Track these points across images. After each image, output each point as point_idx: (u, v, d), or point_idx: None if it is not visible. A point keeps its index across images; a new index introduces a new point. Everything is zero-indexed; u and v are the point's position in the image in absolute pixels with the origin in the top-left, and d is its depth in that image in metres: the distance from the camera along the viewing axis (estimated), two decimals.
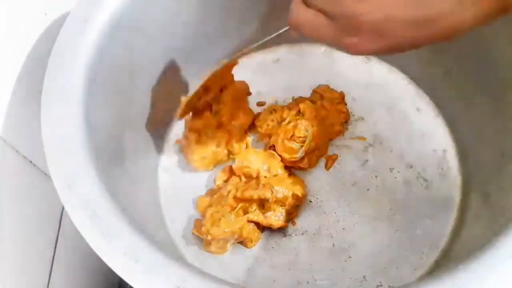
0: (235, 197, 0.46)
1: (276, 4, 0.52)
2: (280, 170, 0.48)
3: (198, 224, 0.47)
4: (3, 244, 0.36)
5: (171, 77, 0.51)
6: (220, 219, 0.45)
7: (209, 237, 0.45)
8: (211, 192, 0.49)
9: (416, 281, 0.38)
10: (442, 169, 0.50)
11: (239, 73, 0.56)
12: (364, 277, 0.45)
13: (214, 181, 0.50)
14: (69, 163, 0.34)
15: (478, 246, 0.32)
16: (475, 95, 0.48)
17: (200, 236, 0.46)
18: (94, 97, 0.38)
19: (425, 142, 0.52)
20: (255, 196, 0.45)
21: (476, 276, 0.30)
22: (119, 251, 0.31)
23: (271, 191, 0.45)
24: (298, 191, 0.47)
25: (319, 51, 0.58)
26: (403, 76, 0.56)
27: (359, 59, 0.57)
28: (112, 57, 0.40)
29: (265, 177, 0.47)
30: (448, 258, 0.44)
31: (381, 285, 0.45)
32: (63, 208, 0.44)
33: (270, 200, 0.45)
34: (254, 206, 0.46)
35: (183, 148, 0.52)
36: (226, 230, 0.44)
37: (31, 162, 0.40)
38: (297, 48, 0.58)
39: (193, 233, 0.47)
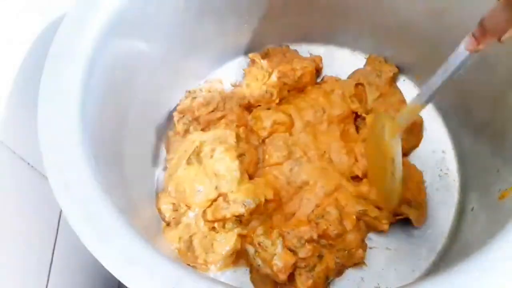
0: (207, 221, 0.45)
1: (274, 4, 0.52)
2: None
3: (185, 255, 0.45)
4: (0, 246, 0.36)
5: (169, 77, 0.51)
6: (212, 244, 0.44)
7: (210, 266, 0.44)
8: (172, 223, 0.47)
9: (413, 283, 0.37)
10: (441, 170, 0.50)
11: (238, 73, 0.57)
12: (362, 278, 0.45)
13: (161, 212, 0.47)
14: (66, 164, 0.34)
15: (475, 248, 0.32)
16: (475, 96, 0.47)
17: (198, 267, 0.45)
18: (91, 98, 0.38)
19: (424, 143, 0.52)
20: (229, 215, 0.44)
21: (473, 278, 0.30)
22: (114, 251, 0.31)
23: (244, 205, 0.44)
24: (269, 194, 0.46)
25: (319, 51, 0.57)
26: (403, 77, 0.56)
27: (358, 60, 0.56)
28: (109, 57, 0.40)
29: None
30: (446, 260, 0.44)
31: (379, 287, 0.44)
32: (61, 210, 0.44)
33: (245, 214, 0.44)
34: (231, 223, 0.45)
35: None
36: (223, 253, 0.44)
37: (28, 163, 0.40)
38: (297, 48, 0.58)
39: (188, 265, 0.45)
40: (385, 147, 0.40)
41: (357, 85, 0.53)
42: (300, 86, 0.53)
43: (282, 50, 0.56)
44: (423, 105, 0.37)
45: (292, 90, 0.54)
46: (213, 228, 0.45)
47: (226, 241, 0.44)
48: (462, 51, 0.32)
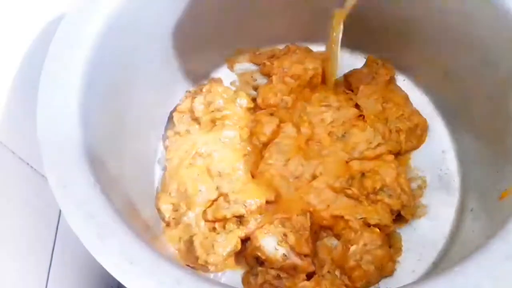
0: (207, 221, 0.45)
1: (274, 4, 0.52)
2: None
3: (185, 256, 0.45)
4: (0, 246, 0.36)
5: (169, 77, 0.51)
6: (213, 245, 0.43)
7: (211, 267, 0.44)
8: (172, 224, 0.46)
9: (413, 283, 0.38)
10: (441, 170, 0.50)
11: (238, 73, 0.57)
12: None
13: (161, 212, 0.47)
14: (65, 164, 0.34)
15: (475, 248, 0.32)
16: (475, 96, 0.48)
17: (198, 268, 0.44)
18: (91, 98, 0.38)
19: (424, 143, 0.51)
20: (229, 215, 0.44)
21: (472, 278, 0.30)
22: (113, 251, 0.31)
23: (244, 205, 0.44)
24: (270, 195, 0.45)
25: (318, 50, 0.57)
26: (403, 77, 0.56)
27: (358, 60, 0.56)
28: (109, 57, 0.40)
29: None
30: (446, 260, 0.44)
31: (379, 287, 0.44)
32: (60, 210, 0.44)
33: (245, 215, 0.44)
34: (231, 223, 0.45)
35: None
36: (224, 254, 0.43)
37: (28, 164, 0.40)
38: None
39: (187, 266, 0.44)
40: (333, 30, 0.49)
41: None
42: (311, 86, 0.53)
43: (289, 49, 0.56)
44: None
45: (305, 88, 0.53)
46: (214, 229, 0.45)
47: (227, 242, 0.44)
48: None
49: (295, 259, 0.42)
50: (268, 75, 0.55)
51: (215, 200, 0.46)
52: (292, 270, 0.43)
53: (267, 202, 0.45)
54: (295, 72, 0.52)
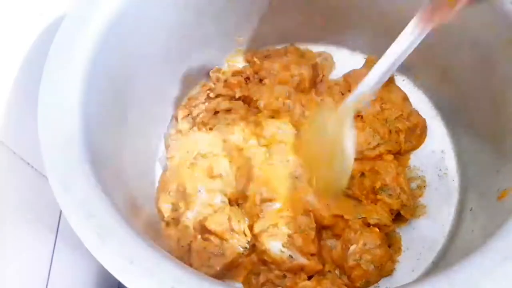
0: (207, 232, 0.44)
1: (274, 5, 0.52)
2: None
3: (184, 255, 0.45)
4: (0, 246, 0.36)
5: (169, 76, 0.51)
6: (210, 258, 0.43)
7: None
8: (171, 223, 0.46)
9: (412, 282, 0.38)
10: (440, 170, 0.50)
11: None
12: None
13: (160, 212, 0.47)
14: (66, 164, 0.34)
15: (475, 248, 0.32)
16: (474, 96, 0.48)
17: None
18: (91, 98, 0.38)
19: (424, 143, 0.52)
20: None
21: (472, 278, 0.30)
22: (114, 251, 0.31)
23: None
24: (271, 196, 0.45)
25: (318, 51, 0.57)
26: (402, 77, 0.56)
27: (357, 60, 0.56)
28: (110, 57, 0.40)
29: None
30: (446, 259, 0.44)
31: (378, 286, 0.45)
32: (61, 210, 0.44)
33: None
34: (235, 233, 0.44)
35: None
36: (218, 268, 0.43)
37: (28, 163, 0.40)
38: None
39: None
40: (333, 137, 0.37)
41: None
42: (300, 90, 0.53)
43: (286, 50, 0.56)
44: (373, 90, 0.33)
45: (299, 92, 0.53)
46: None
47: (224, 257, 0.43)
48: (413, 29, 0.27)
49: (302, 260, 0.42)
50: (256, 73, 0.54)
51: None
52: (299, 271, 0.42)
53: (268, 201, 0.45)
54: (282, 78, 0.52)
